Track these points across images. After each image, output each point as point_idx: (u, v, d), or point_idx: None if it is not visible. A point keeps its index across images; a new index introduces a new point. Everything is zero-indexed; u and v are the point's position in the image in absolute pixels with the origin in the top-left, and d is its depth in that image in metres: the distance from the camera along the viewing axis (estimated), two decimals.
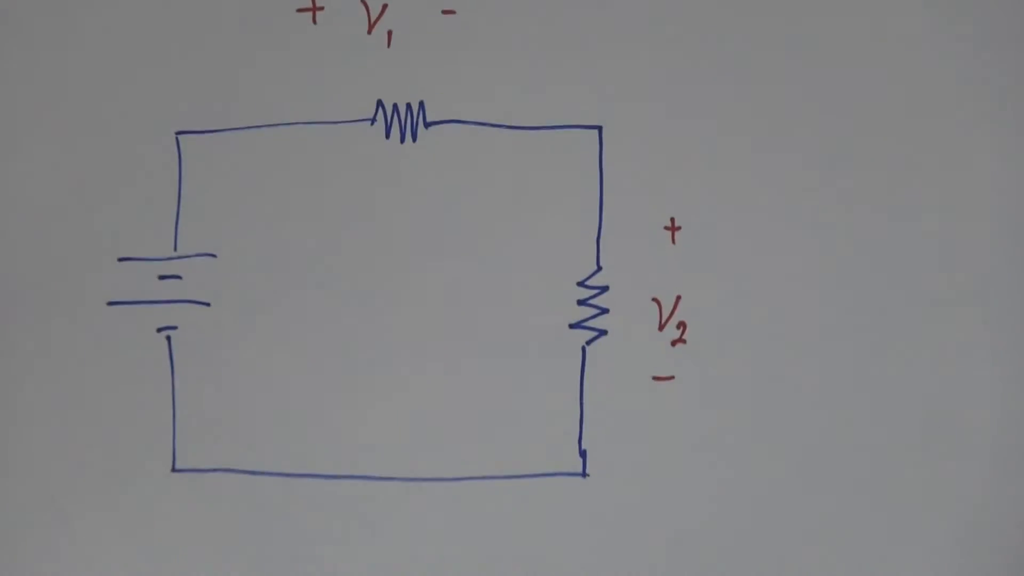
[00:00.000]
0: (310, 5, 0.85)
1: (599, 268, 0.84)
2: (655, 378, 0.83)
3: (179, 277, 0.86)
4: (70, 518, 0.86)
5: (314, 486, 0.84)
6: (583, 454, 0.83)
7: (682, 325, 0.83)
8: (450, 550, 0.83)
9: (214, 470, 0.85)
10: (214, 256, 0.86)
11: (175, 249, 0.86)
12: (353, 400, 0.84)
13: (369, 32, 0.85)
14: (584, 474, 0.83)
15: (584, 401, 0.83)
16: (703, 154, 0.83)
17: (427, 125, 0.85)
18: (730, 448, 0.82)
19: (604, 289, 0.83)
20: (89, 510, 0.85)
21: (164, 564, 0.85)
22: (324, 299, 0.85)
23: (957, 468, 0.82)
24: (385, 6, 0.85)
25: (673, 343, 0.83)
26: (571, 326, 0.83)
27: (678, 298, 0.83)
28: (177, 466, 0.85)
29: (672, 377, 0.83)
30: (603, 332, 0.83)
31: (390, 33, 0.85)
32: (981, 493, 0.82)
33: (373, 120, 0.85)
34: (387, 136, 0.85)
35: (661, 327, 0.83)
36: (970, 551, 0.82)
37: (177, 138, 0.86)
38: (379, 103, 0.85)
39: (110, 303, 0.86)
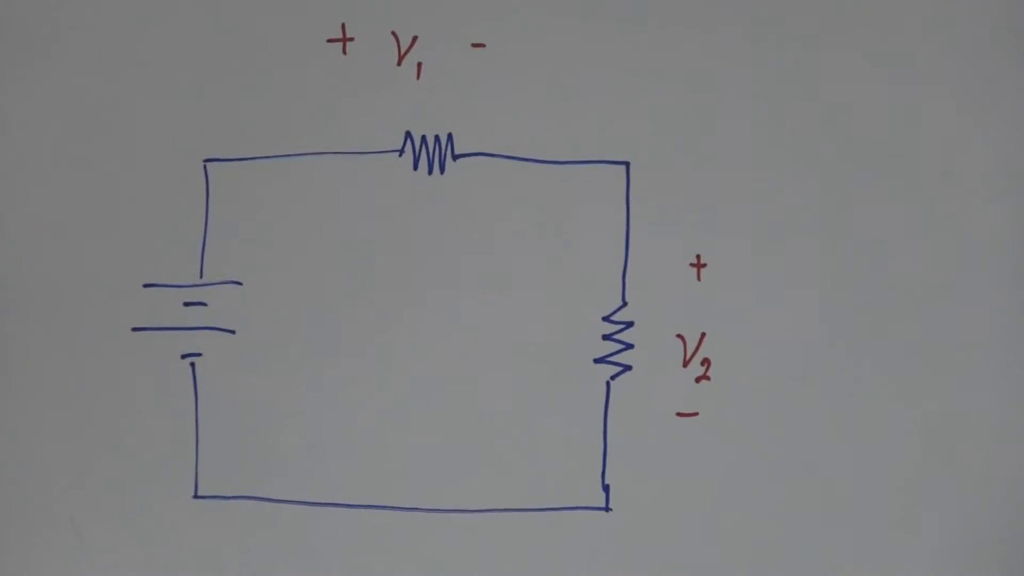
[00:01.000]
0: (340, 36, 0.86)
1: (624, 303, 0.84)
2: (679, 414, 0.83)
3: (204, 304, 0.86)
4: (91, 542, 0.86)
5: (336, 515, 0.85)
6: (606, 488, 0.83)
7: (706, 362, 0.83)
8: None
9: (236, 497, 0.85)
10: (240, 284, 0.86)
11: (201, 276, 0.86)
12: (377, 430, 0.85)
13: (399, 64, 0.85)
14: (607, 508, 0.83)
15: (608, 435, 0.83)
16: (730, 191, 0.84)
17: (455, 157, 0.85)
18: (752, 484, 0.83)
19: (629, 324, 0.84)
20: (111, 535, 0.86)
21: None
22: (348, 328, 0.85)
23: (988, 503, 0.83)
24: (415, 38, 0.85)
25: (697, 379, 0.83)
26: (596, 361, 0.84)
27: (703, 335, 0.83)
28: (199, 492, 0.85)
29: (696, 413, 0.83)
30: (627, 367, 0.83)
31: (420, 65, 0.85)
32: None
33: (401, 151, 0.85)
34: (415, 167, 0.85)
35: (685, 363, 0.83)
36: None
37: (205, 165, 0.86)
38: (407, 134, 0.85)
39: (135, 329, 0.86)
